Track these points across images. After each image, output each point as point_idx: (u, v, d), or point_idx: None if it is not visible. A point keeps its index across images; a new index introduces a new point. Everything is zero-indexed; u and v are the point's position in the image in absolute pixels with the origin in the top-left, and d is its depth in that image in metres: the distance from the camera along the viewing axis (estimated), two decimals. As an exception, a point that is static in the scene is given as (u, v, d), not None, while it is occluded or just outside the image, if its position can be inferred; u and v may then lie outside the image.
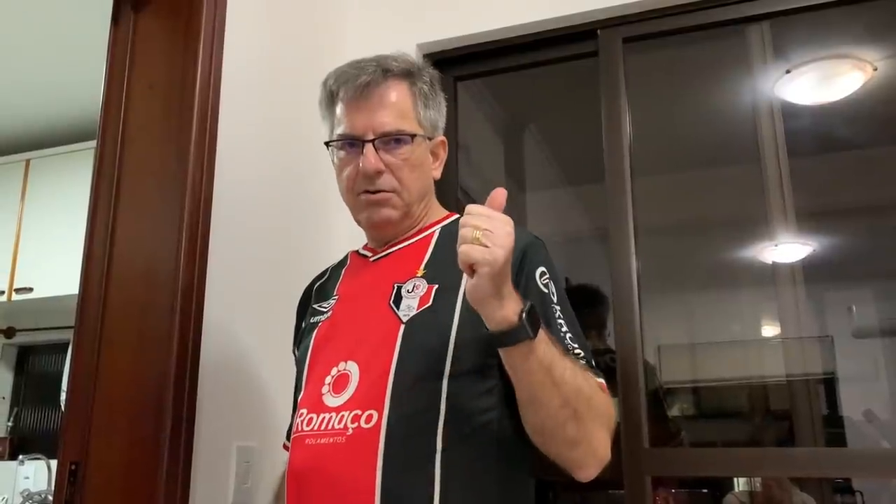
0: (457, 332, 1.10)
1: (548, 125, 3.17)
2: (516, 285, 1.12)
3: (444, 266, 1.18)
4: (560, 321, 1.13)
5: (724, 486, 3.01)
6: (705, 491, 2.96)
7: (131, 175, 1.56)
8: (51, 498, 3.39)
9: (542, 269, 1.15)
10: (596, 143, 2.00)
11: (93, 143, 3.57)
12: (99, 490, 1.37)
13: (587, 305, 2.52)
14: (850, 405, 3.07)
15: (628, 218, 1.93)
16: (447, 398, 1.08)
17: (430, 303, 1.13)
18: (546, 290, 1.14)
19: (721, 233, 3.53)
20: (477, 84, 2.43)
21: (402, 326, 1.11)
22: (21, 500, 3.53)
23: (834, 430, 2.96)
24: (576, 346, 1.12)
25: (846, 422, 3.07)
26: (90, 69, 2.46)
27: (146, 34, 1.60)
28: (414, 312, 1.13)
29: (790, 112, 2.28)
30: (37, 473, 3.62)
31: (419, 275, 1.18)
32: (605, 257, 1.95)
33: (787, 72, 2.30)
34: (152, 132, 1.55)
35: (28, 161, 3.79)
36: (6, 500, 3.64)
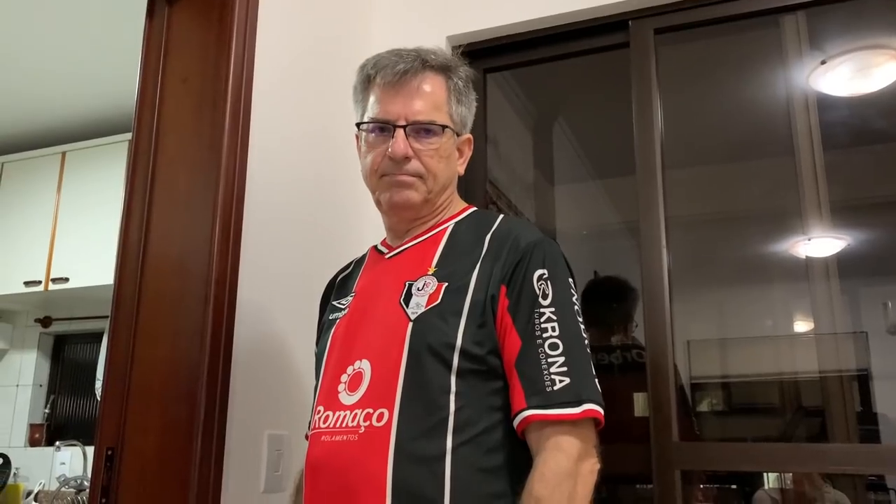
0: (464, 331, 1.11)
1: (577, 118, 3.15)
2: (510, 288, 1.12)
3: (455, 263, 1.18)
4: (547, 327, 1.10)
5: (754, 481, 2.99)
6: (734, 487, 2.94)
7: (166, 167, 1.58)
8: (87, 483, 3.46)
9: (542, 270, 1.14)
10: (626, 135, 1.99)
11: (126, 136, 3.64)
12: (134, 475, 1.40)
13: (614, 299, 2.51)
14: (885, 402, 3.02)
15: (659, 211, 1.92)
16: (455, 397, 1.09)
17: (438, 301, 1.14)
18: (539, 293, 1.12)
19: (753, 226, 3.48)
20: (506, 77, 2.43)
21: (411, 324, 1.12)
22: (58, 485, 3.61)
23: (868, 426, 2.92)
24: (560, 370, 1.08)
25: (880, 419, 3.02)
26: (124, 63, 2.50)
27: (180, 28, 1.62)
28: (422, 311, 1.13)
29: (825, 103, 2.24)
30: (73, 459, 3.70)
31: (430, 272, 1.19)
32: (634, 251, 1.94)
33: (823, 62, 2.26)
34: (186, 125, 1.57)
35: (64, 154, 3.85)
36: (43, 485, 3.72)
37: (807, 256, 3.00)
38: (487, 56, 2.20)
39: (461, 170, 1.32)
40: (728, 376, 3.97)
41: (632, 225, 1.99)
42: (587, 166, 3.43)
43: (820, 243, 2.93)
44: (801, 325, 3.77)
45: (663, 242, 1.90)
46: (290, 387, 1.66)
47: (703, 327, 3.86)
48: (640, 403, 2.05)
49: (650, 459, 1.77)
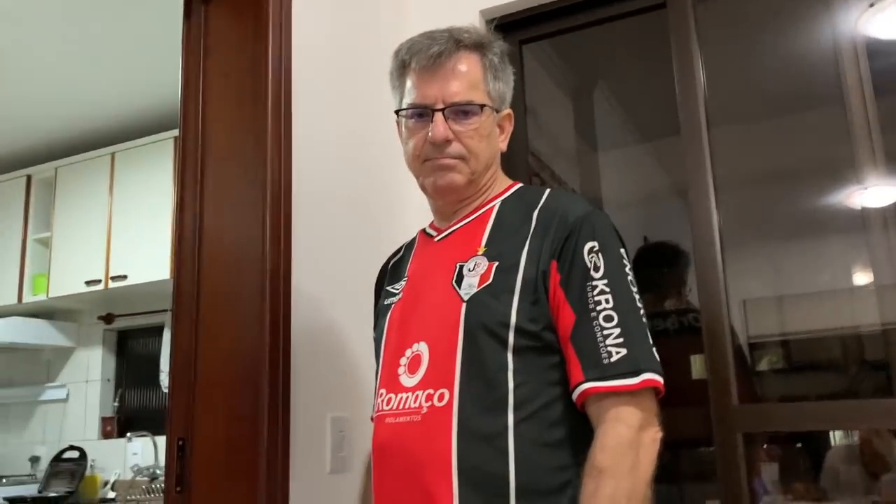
0: (517, 309, 1.11)
1: (618, 81, 3.10)
2: (560, 262, 1.12)
3: (504, 242, 1.19)
4: (600, 300, 1.10)
5: (820, 440, 2.94)
6: (799, 445, 2.90)
7: (214, 163, 1.62)
8: (159, 471, 3.59)
9: (592, 243, 1.14)
10: (669, 95, 1.95)
11: (171, 133, 3.71)
12: (205, 464, 1.45)
13: (666, 264, 2.48)
14: (953, 351, 2.93)
15: (707, 171, 1.88)
16: (514, 374, 1.10)
17: (490, 280, 1.14)
18: (590, 266, 1.12)
19: (806, 180, 3.40)
20: (542, 46, 2.40)
21: (464, 305, 1.14)
22: (132, 474, 3.75)
23: (936, 378, 2.85)
24: (616, 341, 1.08)
25: (949, 370, 2.94)
26: (167, 61, 2.55)
27: (217, 26, 1.64)
28: (475, 291, 1.14)
29: (875, 49, 2.16)
30: (144, 449, 3.83)
31: (480, 253, 1.19)
32: (684, 213, 1.91)
33: (871, 5, 2.18)
34: (231, 120, 1.60)
35: (113, 154, 3.95)
36: (118, 475, 3.87)
37: (863, 207, 2.91)
38: (522, 27, 2.18)
39: (503, 146, 1.31)
40: (787, 334, 3.90)
41: (680, 187, 1.96)
42: (631, 130, 3.38)
43: (876, 192, 2.85)
44: (861, 278, 3.67)
45: (713, 203, 1.87)
46: (350, 370, 1.70)
47: (760, 286, 3.80)
48: (697, 366, 2.04)
49: (710, 423, 1.75)
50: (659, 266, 2.51)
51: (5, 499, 3.70)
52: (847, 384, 3.46)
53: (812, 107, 2.87)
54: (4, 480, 4.05)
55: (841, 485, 2.59)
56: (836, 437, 2.94)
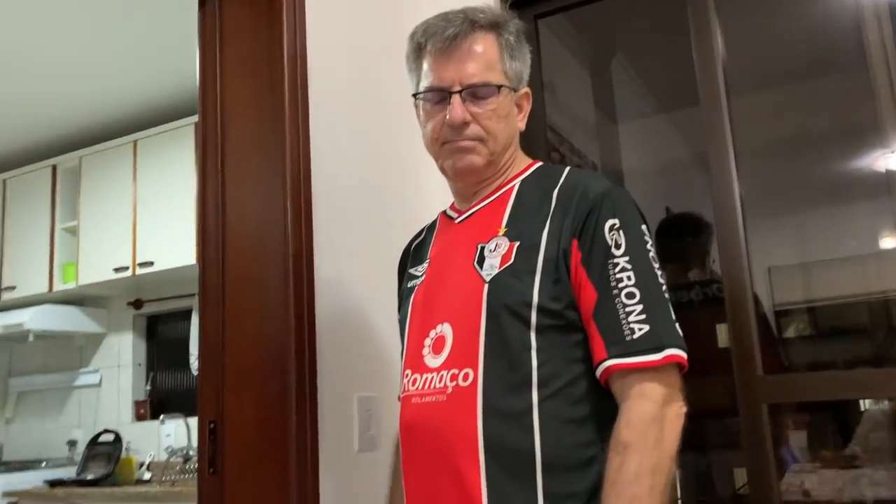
0: (539, 288, 1.12)
1: (635, 52, 3.07)
2: (581, 241, 1.12)
3: (525, 222, 1.19)
4: (622, 277, 1.10)
5: (849, 407, 2.93)
6: (828, 413, 2.89)
7: (234, 148, 1.63)
8: (192, 452, 3.66)
9: (613, 220, 1.13)
10: (687, 64, 1.93)
11: (191, 118, 3.74)
12: (236, 445, 1.49)
13: (688, 235, 2.47)
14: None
15: (727, 140, 1.87)
16: (537, 353, 1.11)
17: (511, 260, 1.15)
18: (611, 243, 1.12)
19: (829, 145, 3.35)
20: (558, 19, 2.38)
21: (486, 286, 1.14)
22: (166, 455, 3.83)
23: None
24: (639, 318, 1.08)
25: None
26: (185, 49, 2.56)
27: (231, 14, 1.65)
28: (496, 271, 1.15)
29: (899, 9, 2.11)
30: (177, 431, 3.91)
31: (501, 233, 1.20)
32: (706, 183, 1.90)
33: (894, -35, 2.13)
34: (249, 106, 1.61)
35: (135, 142, 3.99)
36: (153, 456, 3.96)
37: (888, 170, 2.87)
38: (537, 1, 2.16)
39: (521, 125, 1.31)
40: (813, 301, 3.87)
41: (702, 157, 1.94)
42: (650, 100, 3.35)
43: (903, 155, 2.80)
44: (888, 242, 3.63)
45: (733, 172, 1.85)
46: (375, 351, 1.72)
47: (785, 253, 3.77)
48: (723, 334, 2.03)
49: (736, 392, 1.76)
50: (682, 237, 2.50)
51: (45, 481, 3.80)
52: (875, 350, 3.43)
53: (834, 71, 2.83)
54: (44, 464, 4.16)
55: (871, 451, 2.58)
56: (866, 403, 2.93)
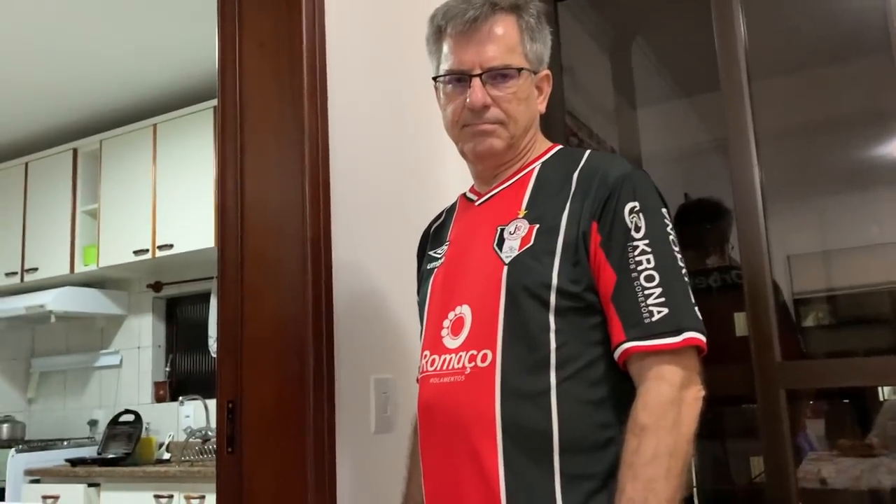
0: (559, 270, 1.12)
1: (656, 35, 3.04)
2: (601, 223, 1.12)
3: (545, 204, 1.19)
4: (641, 260, 1.10)
5: (868, 395, 2.91)
6: (847, 401, 2.87)
7: (252, 131, 1.64)
8: (210, 433, 3.71)
9: (633, 203, 1.13)
10: (708, 49, 1.91)
11: (210, 102, 3.75)
12: (254, 425, 1.50)
13: (707, 221, 2.45)
14: None
15: (748, 125, 1.85)
16: (556, 335, 1.11)
17: (531, 243, 1.15)
18: (631, 226, 1.12)
19: (851, 131, 3.30)
20: (578, 2, 2.36)
21: (506, 268, 1.15)
22: (185, 436, 3.88)
23: None
24: (658, 300, 1.08)
25: None
26: (204, 32, 2.57)
27: (251, -6, 1.65)
28: (516, 253, 1.15)
29: (925, -7, 2.08)
30: (196, 412, 3.96)
31: (521, 216, 1.20)
32: (726, 169, 1.89)
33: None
34: (267, 89, 1.62)
35: (155, 126, 4.02)
36: (172, 437, 4.01)
37: (912, 157, 2.83)
38: (557, -16, 2.14)
39: (542, 108, 1.31)
40: (834, 289, 3.83)
41: (722, 142, 1.93)
42: (671, 84, 3.31)
43: (927, 142, 2.76)
44: (911, 230, 3.58)
45: (754, 158, 1.84)
46: (391, 332, 1.73)
47: (806, 240, 3.73)
48: (740, 323, 2.02)
49: (752, 380, 1.75)
50: (701, 223, 2.48)
51: (67, 460, 3.87)
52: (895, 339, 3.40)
53: (858, 56, 2.78)
54: (66, 443, 4.23)
55: (890, 440, 2.56)
56: (885, 392, 2.90)
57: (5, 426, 4.46)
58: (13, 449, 3.93)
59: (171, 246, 3.84)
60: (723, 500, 2.46)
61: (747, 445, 2.22)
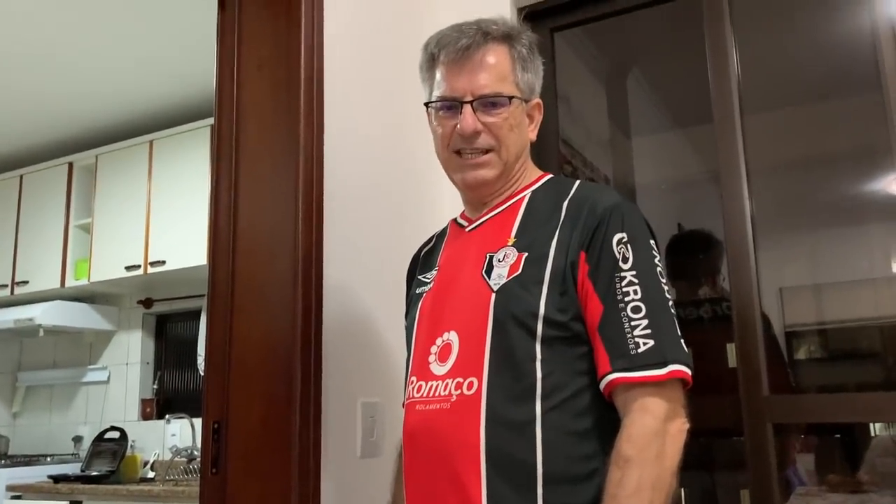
0: (546, 299, 1.12)
1: (651, 67, 3.07)
2: (589, 253, 1.13)
3: (534, 233, 1.19)
4: (628, 291, 1.10)
5: (859, 430, 2.90)
6: (838, 436, 2.87)
7: (248, 152, 1.64)
8: (196, 452, 3.67)
9: (621, 234, 1.14)
10: (703, 81, 1.93)
11: (208, 120, 3.76)
12: (240, 445, 1.49)
13: (699, 252, 2.47)
14: None
15: (739, 158, 1.87)
16: (542, 364, 1.11)
17: (519, 271, 1.15)
18: (619, 257, 1.12)
19: (843, 167, 3.33)
20: (575, 32, 2.38)
21: (494, 295, 1.15)
22: (170, 454, 3.84)
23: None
24: (644, 332, 1.08)
25: None
26: (203, 51, 2.59)
27: (251, 16, 1.66)
28: (504, 281, 1.16)
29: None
30: (182, 430, 3.92)
31: (510, 243, 1.20)
32: (719, 200, 1.90)
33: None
34: (264, 110, 1.63)
35: (151, 142, 4.02)
36: (157, 455, 3.97)
37: (903, 194, 2.86)
38: (553, 15, 2.17)
39: (533, 136, 1.32)
40: (825, 322, 3.84)
41: (714, 174, 1.94)
42: (665, 116, 3.35)
43: (917, 179, 2.79)
44: (902, 266, 3.60)
45: (745, 190, 1.86)
46: (380, 357, 1.72)
47: (796, 273, 3.75)
48: (733, 354, 2.03)
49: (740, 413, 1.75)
50: (693, 254, 2.50)
51: (50, 476, 3.82)
52: (886, 374, 3.40)
53: (849, 93, 2.82)
54: (49, 459, 4.18)
55: (880, 476, 2.55)
56: (876, 428, 2.90)
57: (-11, 441, 4.41)
58: (-5, 464, 3.88)
59: (163, 262, 3.83)
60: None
61: (738, 478, 2.22)
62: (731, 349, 2.04)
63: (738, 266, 1.84)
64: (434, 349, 1.20)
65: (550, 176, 1.33)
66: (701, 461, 2.33)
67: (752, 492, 1.72)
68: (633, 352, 1.08)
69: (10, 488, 3.80)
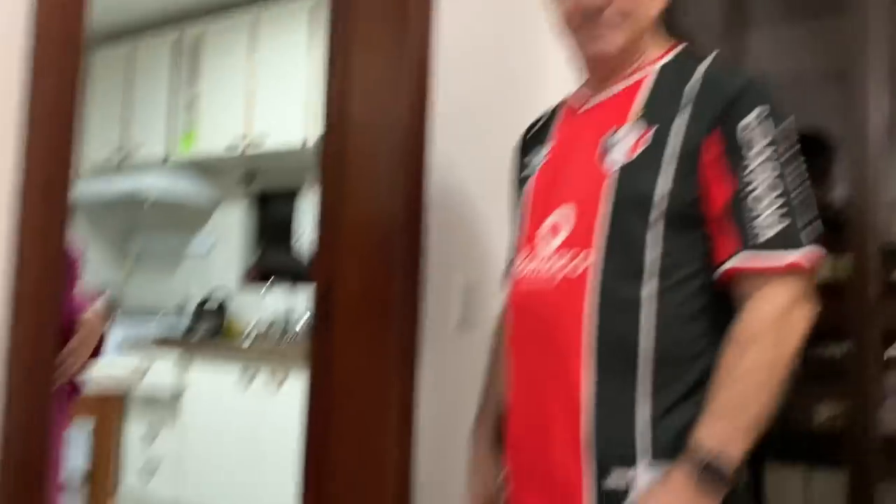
0: (664, 180, 1.09)
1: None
2: (716, 134, 1.08)
3: (655, 113, 1.15)
4: (756, 174, 1.06)
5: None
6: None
7: (359, 25, 1.64)
8: (290, 324, 3.87)
9: (752, 114, 1.08)
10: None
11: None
12: (346, 308, 1.59)
13: (808, 154, 2.35)
14: None
15: (870, 55, 1.75)
16: (657, 244, 1.09)
17: (638, 152, 1.12)
18: (748, 138, 1.07)
19: None
20: None
21: (610, 176, 1.13)
22: (267, 324, 4.07)
23: None
24: (769, 218, 1.05)
25: None
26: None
27: None
28: (621, 162, 1.13)
29: None
30: (278, 302, 4.13)
31: (629, 123, 1.16)
32: (838, 102, 1.80)
33: None
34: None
35: (255, 17, 4.03)
36: (254, 324, 4.19)
37: None
38: None
39: (661, 3, 1.22)
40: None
41: (838, 72, 1.83)
42: (788, 4, 3.12)
43: None
44: None
45: (877, 91, 1.74)
46: (480, 233, 1.75)
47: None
48: (837, 265, 1.97)
49: (846, 321, 1.71)
50: (803, 157, 2.39)
51: (153, 339, 4.07)
52: None
53: None
54: (154, 323, 4.43)
55: None
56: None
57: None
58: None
59: (265, 140, 3.90)
60: (784, 445, 2.45)
61: (813, 391, 2.19)
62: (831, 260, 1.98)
63: (856, 172, 1.76)
64: (545, 226, 1.19)
65: (682, 47, 1.25)
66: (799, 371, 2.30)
67: (848, 400, 1.71)
68: (756, 236, 1.05)
69: (119, 345, 4.09)
